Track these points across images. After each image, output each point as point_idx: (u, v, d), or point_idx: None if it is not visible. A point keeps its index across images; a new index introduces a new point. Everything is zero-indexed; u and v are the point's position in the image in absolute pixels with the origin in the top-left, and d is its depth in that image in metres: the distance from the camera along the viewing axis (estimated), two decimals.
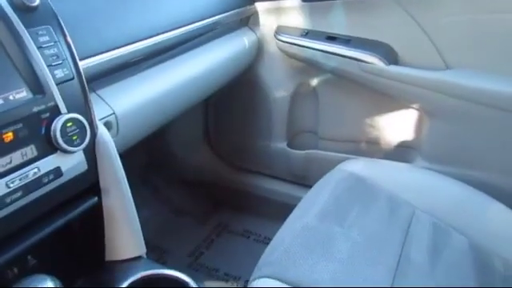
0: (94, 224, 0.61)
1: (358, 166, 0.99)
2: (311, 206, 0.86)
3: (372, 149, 1.19)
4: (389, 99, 1.11)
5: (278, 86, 1.26)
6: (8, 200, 0.48)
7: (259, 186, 1.42)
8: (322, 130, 1.26)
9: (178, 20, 0.87)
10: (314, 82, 1.21)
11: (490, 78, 0.95)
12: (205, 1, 0.97)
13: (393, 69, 1.03)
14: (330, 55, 1.10)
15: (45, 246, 0.57)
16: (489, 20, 0.94)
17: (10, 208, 0.49)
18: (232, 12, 1.05)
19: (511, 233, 0.88)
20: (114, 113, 0.67)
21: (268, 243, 0.78)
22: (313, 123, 1.28)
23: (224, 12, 1.02)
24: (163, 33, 0.81)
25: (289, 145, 1.33)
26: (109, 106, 0.68)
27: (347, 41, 1.09)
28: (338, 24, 1.10)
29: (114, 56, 0.69)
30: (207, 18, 0.96)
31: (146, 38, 0.76)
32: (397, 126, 1.14)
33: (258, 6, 1.17)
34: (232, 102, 1.36)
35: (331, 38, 1.11)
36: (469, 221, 0.88)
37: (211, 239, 1.34)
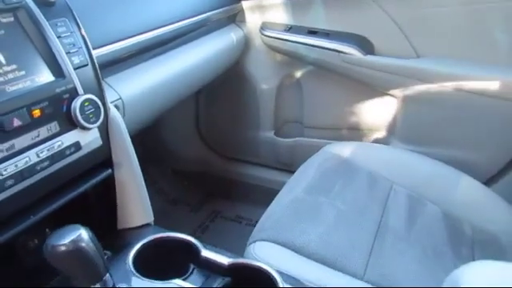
0: (107, 195, 0.68)
1: (340, 148, 1.08)
2: (299, 182, 0.95)
3: (353, 134, 1.27)
4: (366, 87, 1.19)
5: (264, 78, 1.33)
6: (38, 168, 0.55)
7: (249, 174, 1.48)
8: (307, 119, 1.34)
9: (172, 16, 0.94)
10: (298, 73, 1.29)
11: (455, 64, 1.05)
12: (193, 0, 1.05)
13: (369, 58, 1.13)
14: (312, 48, 1.18)
15: (61, 218, 0.64)
16: (452, 12, 1.04)
17: (38, 176, 0.56)
18: (220, 10, 1.13)
19: (478, 201, 0.97)
20: (120, 98, 0.75)
21: None
22: (298, 112, 1.35)
23: (213, 10, 1.10)
24: (160, 27, 0.88)
25: (276, 134, 1.39)
26: (116, 91, 0.75)
27: (327, 34, 1.18)
28: (319, 19, 1.18)
29: (119, 47, 0.76)
30: (198, 15, 1.03)
31: (144, 32, 0.84)
32: (374, 111, 1.23)
33: (244, 3, 1.24)
34: (221, 95, 1.42)
35: (312, 32, 1.19)
36: (440, 192, 0.97)
37: (206, 225, 1.40)
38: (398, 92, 1.15)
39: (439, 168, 1.03)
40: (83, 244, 0.47)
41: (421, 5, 1.06)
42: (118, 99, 0.74)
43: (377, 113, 1.23)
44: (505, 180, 1.08)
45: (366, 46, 1.14)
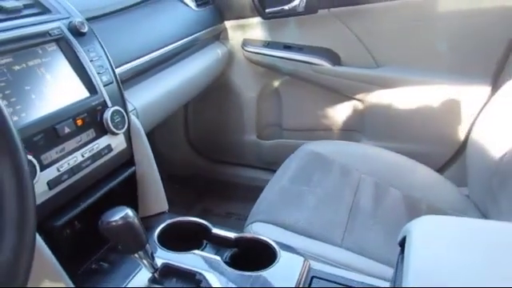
0: (130, 188, 0.82)
1: (316, 147, 1.24)
2: (283, 175, 1.11)
3: (326, 133, 1.44)
4: (336, 93, 1.37)
5: (246, 87, 1.48)
6: (83, 165, 0.69)
7: (235, 174, 1.61)
8: (285, 122, 1.50)
9: (170, 38, 1.09)
10: (276, 83, 1.45)
11: (408, 71, 1.25)
12: (187, 23, 1.20)
13: (337, 68, 1.31)
14: (287, 60, 1.36)
15: (91, 210, 0.77)
16: (403, 27, 1.24)
17: (82, 173, 0.70)
18: (207, 30, 1.28)
19: (431, 185, 1.16)
20: (135, 108, 0.89)
21: None
22: (277, 117, 1.51)
23: (201, 30, 1.26)
24: (161, 48, 1.04)
25: (258, 137, 1.54)
26: (131, 103, 0.89)
27: (300, 48, 1.35)
28: (293, 36, 1.35)
29: (132, 66, 0.91)
30: (190, 36, 1.19)
31: (150, 53, 0.99)
32: (343, 113, 1.41)
33: (227, 23, 1.40)
34: (208, 104, 1.55)
35: (287, 47, 1.36)
36: (401, 179, 1.15)
37: None
38: (362, 96, 1.34)
39: (400, 159, 1.21)
40: (130, 219, 0.62)
41: (378, 22, 1.25)
42: (133, 109, 0.88)
43: (346, 115, 1.41)
44: (452, 167, 1.28)
45: (333, 58, 1.33)
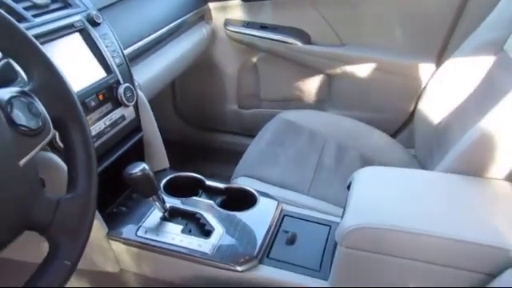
0: (138, 150, 1.02)
1: (289, 115, 1.44)
2: (261, 139, 1.31)
3: (298, 104, 1.62)
4: (306, 68, 1.56)
5: (228, 63, 1.63)
6: (106, 131, 0.88)
7: (219, 140, 1.79)
8: (263, 94, 1.68)
9: (163, 22, 1.26)
10: (254, 59, 1.61)
11: (369, 50, 1.45)
12: (176, 7, 1.36)
13: (307, 47, 1.49)
14: (264, 39, 1.52)
15: (108, 170, 0.95)
16: (363, 11, 1.43)
17: (105, 137, 0.89)
18: (193, 12, 1.44)
19: (385, 147, 1.38)
20: (139, 84, 1.07)
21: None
22: (255, 89, 1.68)
23: (189, 13, 1.41)
24: (156, 31, 1.20)
25: (239, 106, 1.71)
26: (136, 80, 1.07)
27: (275, 28, 1.51)
28: (269, 17, 1.51)
29: (134, 48, 1.08)
30: (179, 19, 1.35)
31: (145, 37, 1.16)
32: (313, 86, 1.60)
33: (211, 5, 1.53)
34: (193, 79, 1.69)
35: (264, 27, 1.52)
36: (359, 142, 1.35)
37: None
38: (329, 71, 1.53)
39: (359, 125, 1.42)
40: (146, 171, 0.81)
41: (341, 7, 1.44)
42: (137, 85, 1.06)
43: (315, 87, 1.60)
44: (403, 132, 1.51)
45: (304, 37, 1.51)
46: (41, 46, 0.58)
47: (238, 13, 1.55)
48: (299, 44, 1.50)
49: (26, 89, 0.54)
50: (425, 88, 1.34)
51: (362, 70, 1.47)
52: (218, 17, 1.57)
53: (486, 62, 1.07)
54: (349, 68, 1.49)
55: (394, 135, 1.52)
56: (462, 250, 0.65)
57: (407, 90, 1.47)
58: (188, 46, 1.42)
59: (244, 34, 1.54)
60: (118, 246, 0.87)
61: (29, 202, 0.51)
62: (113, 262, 0.89)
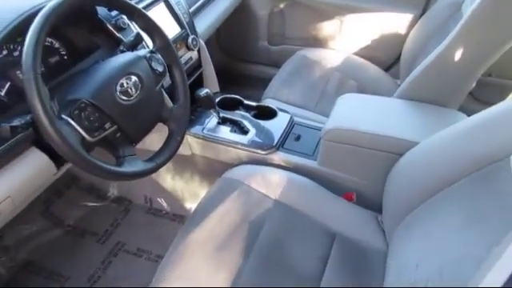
0: (200, 80, 1.53)
1: (306, 52, 1.90)
2: (283, 70, 1.78)
3: (315, 42, 2.05)
4: (322, 15, 1.96)
5: (261, 8, 2.04)
6: (186, 66, 1.39)
7: (251, 69, 2.24)
8: (288, 33, 2.10)
9: None
10: (282, 5, 2.01)
11: (371, 1, 1.86)
12: None
13: None
14: None
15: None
16: None
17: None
18: None
19: (378, 78, 1.84)
20: (198, 32, 1.55)
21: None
22: (282, 29, 2.09)
23: None
24: None
25: (268, 43, 2.14)
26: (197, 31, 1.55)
27: None
28: None
29: (195, 7, 1.55)
30: None
31: None
32: (326, 28, 2.00)
33: None
34: (234, 21, 2.03)
35: None
36: (358, 75, 1.78)
37: None
38: (338, 17, 1.93)
39: (360, 61, 1.85)
40: (209, 93, 1.32)
41: None
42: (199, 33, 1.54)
43: (328, 29, 2.00)
44: (395, 68, 1.93)
45: None
46: (156, 21, 1.06)
47: None
48: None
49: (153, 49, 1.05)
50: (410, 30, 1.75)
51: (364, 18, 1.87)
52: None
53: (447, 18, 1.48)
54: (352, 15, 1.89)
55: (386, 69, 1.94)
56: (389, 141, 1.15)
57: (397, 35, 1.86)
58: None
59: None
60: (191, 139, 1.42)
61: (159, 108, 1.04)
62: (187, 148, 1.45)
